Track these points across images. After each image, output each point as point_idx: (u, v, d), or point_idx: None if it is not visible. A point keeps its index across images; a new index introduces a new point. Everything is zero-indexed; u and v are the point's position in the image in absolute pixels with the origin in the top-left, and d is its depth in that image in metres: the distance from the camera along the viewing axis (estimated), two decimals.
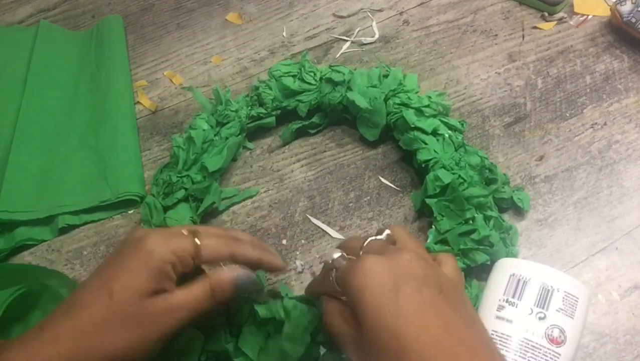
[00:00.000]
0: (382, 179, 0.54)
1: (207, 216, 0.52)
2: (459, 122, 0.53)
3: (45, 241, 0.53)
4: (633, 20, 0.58)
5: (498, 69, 0.60)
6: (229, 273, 0.38)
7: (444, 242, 0.46)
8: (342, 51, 0.64)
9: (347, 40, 0.65)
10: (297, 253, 0.50)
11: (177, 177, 0.51)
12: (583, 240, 0.48)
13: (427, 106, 0.53)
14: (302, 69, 0.57)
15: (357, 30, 0.66)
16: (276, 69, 0.57)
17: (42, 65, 0.64)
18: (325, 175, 0.55)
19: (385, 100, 0.54)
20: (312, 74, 0.57)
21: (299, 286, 0.48)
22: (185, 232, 0.37)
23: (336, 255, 0.37)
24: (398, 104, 0.53)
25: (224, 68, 0.64)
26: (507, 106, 0.57)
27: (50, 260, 0.51)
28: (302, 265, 0.49)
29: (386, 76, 0.56)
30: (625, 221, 0.49)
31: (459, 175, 0.47)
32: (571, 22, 0.64)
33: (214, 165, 0.52)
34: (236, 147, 0.55)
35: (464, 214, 0.46)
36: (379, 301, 0.31)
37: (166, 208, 0.50)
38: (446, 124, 0.52)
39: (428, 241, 0.47)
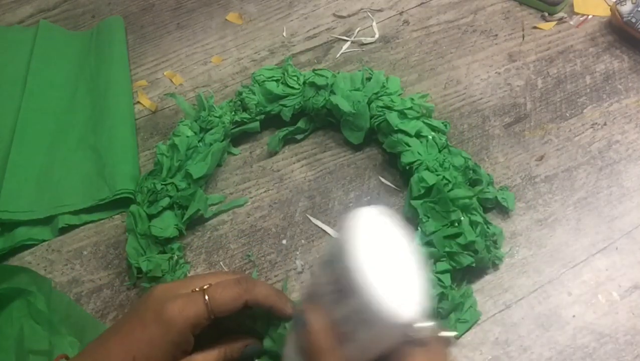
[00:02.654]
0: (382, 179, 0.54)
1: (194, 223, 0.52)
2: (442, 123, 0.53)
3: (45, 241, 0.53)
4: (633, 20, 0.58)
5: (498, 69, 0.60)
6: (239, 343, 0.41)
7: (429, 244, 0.46)
8: (342, 51, 0.64)
9: (347, 40, 0.65)
10: (297, 253, 0.50)
11: (162, 184, 0.51)
12: (583, 240, 0.48)
13: (410, 108, 0.53)
14: (285, 73, 0.57)
15: (357, 30, 0.66)
16: (259, 74, 0.57)
17: (41, 65, 0.64)
18: (325, 175, 0.55)
19: (369, 103, 0.54)
20: (295, 78, 0.57)
21: (299, 286, 0.48)
22: (197, 289, 0.38)
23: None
24: (381, 107, 0.53)
25: (224, 68, 0.64)
26: (507, 106, 0.57)
27: (50, 260, 0.51)
28: (302, 265, 0.49)
29: (369, 79, 0.56)
30: (625, 221, 0.49)
31: (444, 177, 0.47)
32: (571, 22, 0.64)
33: (198, 172, 0.51)
34: (220, 153, 0.55)
35: (449, 216, 0.46)
36: None
37: (151, 217, 0.50)
38: (429, 126, 0.52)
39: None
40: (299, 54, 0.64)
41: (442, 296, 0.43)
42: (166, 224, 0.50)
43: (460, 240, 0.45)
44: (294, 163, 0.56)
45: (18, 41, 0.68)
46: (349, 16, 0.68)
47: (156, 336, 0.36)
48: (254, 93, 0.56)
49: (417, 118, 0.53)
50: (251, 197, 0.54)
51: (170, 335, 0.36)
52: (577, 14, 0.64)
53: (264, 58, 0.65)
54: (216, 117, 0.55)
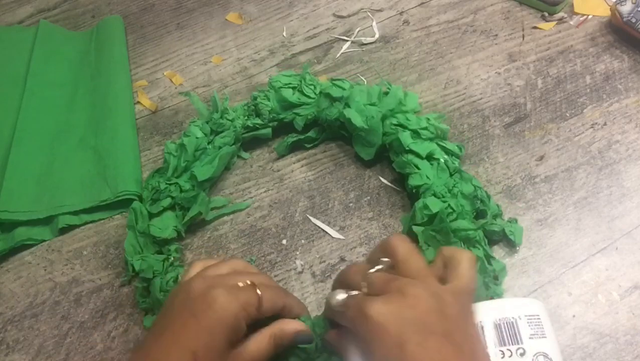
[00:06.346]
0: (382, 179, 0.54)
1: (195, 226, 0.52)
2: (457, 145, 0.52)
3: (45, 241, 0.53)
4: (633, 20, 0.58)
5: (498, 69, 0.60)
6: (291, 327, 0.39)
7: None
8: (342, 51, 0.64)
9: (347, 40, 0.65)
10: (297, 253, 0.50)
11: (166, 184, 0.50)
12: (583, 240, 0.48)
13: (425, 128, 0.51)
14: (303, 81, 0.56)
15: (357, 30, 0.66)
16: (276, 80, 0.56)
17: (41, 65, 0.64)
18: (325, 175, 0.55)
19: (383, 119, 0.52)
20: (312, 87, 0.56)
21: (298, 286, 0.48)
22: (246, 284, 0.38)
23: (340, 296, 0.37)
24: (395, 125, 0.52)
25: (224, 68, 0.64)
26: (507, 106, 0.57)
27: (50, 260, 0.51)
28: (302, 265, 0.49)
29: (386, 93, 0.54)
30: (625, 221, 0.49)
31: (449, 205, 0.46)
32: (571, 22, 0.64)
33: (203, 175, 0.51)
34: (229, 157, 0.54)
35: None
36: (386, 356, 0.32)
37: (152, 215, 0.50)
38: (443, 148, 0.51)
39: None
40: (299, 54, 0.64)
41: None
42: (165, 225, 0.49)
43: None
44: (294, 163, 0.56)
45: (18, 41, 0.68)
46: (349, 16, 0.68)
47: (214, 324, 0.35)
48: (268, 99, 0.55)
49: (431, 139, 0.51)
50: (251, 197, 0.54)
51: (226, 320, 0.35)
52: (577, 14, 0.64)
53: (264, 58, 0.65)
54: (229, 120, 0.54)
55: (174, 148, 0.53)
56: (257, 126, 0.56)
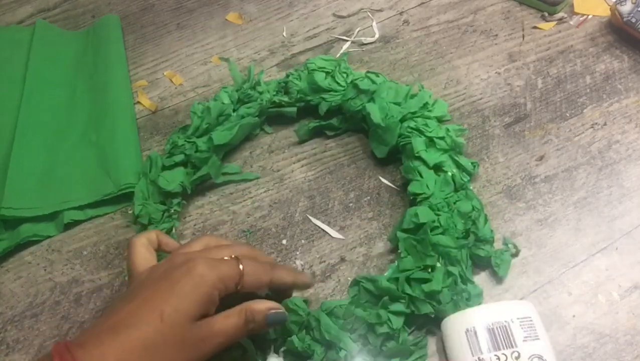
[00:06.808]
0: (382, 179, 0.54)
1: (205, 189, 0.54)
2: (471, 162, 0.50)
3: (50, 237, 0.53)
4: (633, 20, 0.58)
5: (498, 69, 0.60)
6: (262, 306, 0.39)
7: (396, 280, 0.43)
8: (342, 51, 0.64)
9: (347, 40, 0.65)
10: (297, 253, 0.50)
11: (185, 140, 0.52)
12: (583, 240, 0.48)
13: (442, 138, 0.50)
14: (338, 67, 0.56)
15: (357, 30, 0.66)
16: (312, 62, 0.57)
17: (39, 64, 0.64)
18: (325, 175, 0.55)
19: (402, 120, 0.51)
20: (344, 75, 0.56)
21: None
22: (228, 258, 0.38)
23: None
24: (412, 128, 0.51)
25: (224, 68, 0.64)
26: (507, 106, 0.57)
27: (50, 260, 0.51)
28: (302, 265, 0.49)
29: (415, 96, 0.54)
30: (625, 221, 0.49)
31: (438, 219, 0.45)
32: (571, 22, 0.64)
33: (219, 139, 0.53)
34: (250, 128, 0.56)
35: (424, 260, 0.44)
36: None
37: (164, 168, 0.52)
38: (455, 162, 0.50)
39: (385, 274, 0.45)
40: (299, 54, 0.65)
41: (387, 337, 0.42)
42: (173, 178, 0.51)
43: (425, 287, 0.42)
44: (294, 163, 0.56)
45: (15, 41, 0.68)
46: (349, 16, 0.68)
47: (187, 289, 0.35)
48: (300, 79, 0.56)
49: (446, 150, 0.50)
50: (251, 197, 0.54)
51: (201, 288, 0.35)
52: (577, 14, 0.64)
53: (264, 58, 0.65)
54: (258, 92, 0.56)
55: (200, 109, 0.55)
56: (284, 103, 0.56)
